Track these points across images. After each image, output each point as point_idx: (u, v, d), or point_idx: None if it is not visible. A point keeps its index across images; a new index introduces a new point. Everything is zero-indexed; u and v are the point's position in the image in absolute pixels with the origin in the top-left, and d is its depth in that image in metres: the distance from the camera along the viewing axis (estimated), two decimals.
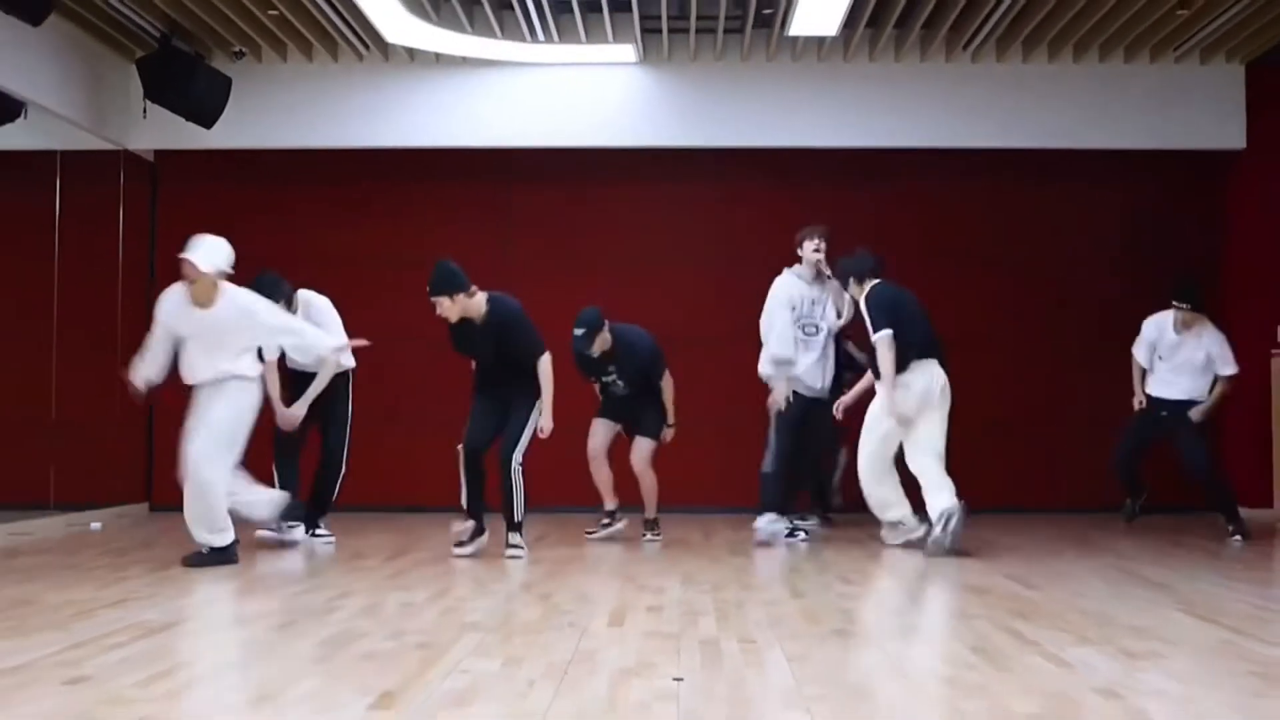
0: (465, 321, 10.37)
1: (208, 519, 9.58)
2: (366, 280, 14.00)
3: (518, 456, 10.35)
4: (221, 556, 9.52)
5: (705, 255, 13.51)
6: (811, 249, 11.73)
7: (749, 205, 14.31)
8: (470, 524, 10.37)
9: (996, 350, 13.88)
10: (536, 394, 10.45)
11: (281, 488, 10.61)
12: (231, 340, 9.73)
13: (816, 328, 11.83)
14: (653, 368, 11.54)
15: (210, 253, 9.60)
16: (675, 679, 5.36)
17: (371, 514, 13.42)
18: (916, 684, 5.28)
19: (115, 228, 13.96)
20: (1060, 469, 13.89)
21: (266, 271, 10.54)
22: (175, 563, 9.57)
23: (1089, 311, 14.04)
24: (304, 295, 10.90)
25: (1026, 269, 14.39)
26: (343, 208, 14.73)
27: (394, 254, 13.92)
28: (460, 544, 10.25)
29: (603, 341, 11.32)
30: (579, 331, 11.22)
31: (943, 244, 14.60)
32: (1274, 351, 13.02)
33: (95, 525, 12.53)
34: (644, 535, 11.62)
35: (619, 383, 11.49)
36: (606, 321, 11.31)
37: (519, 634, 6.53)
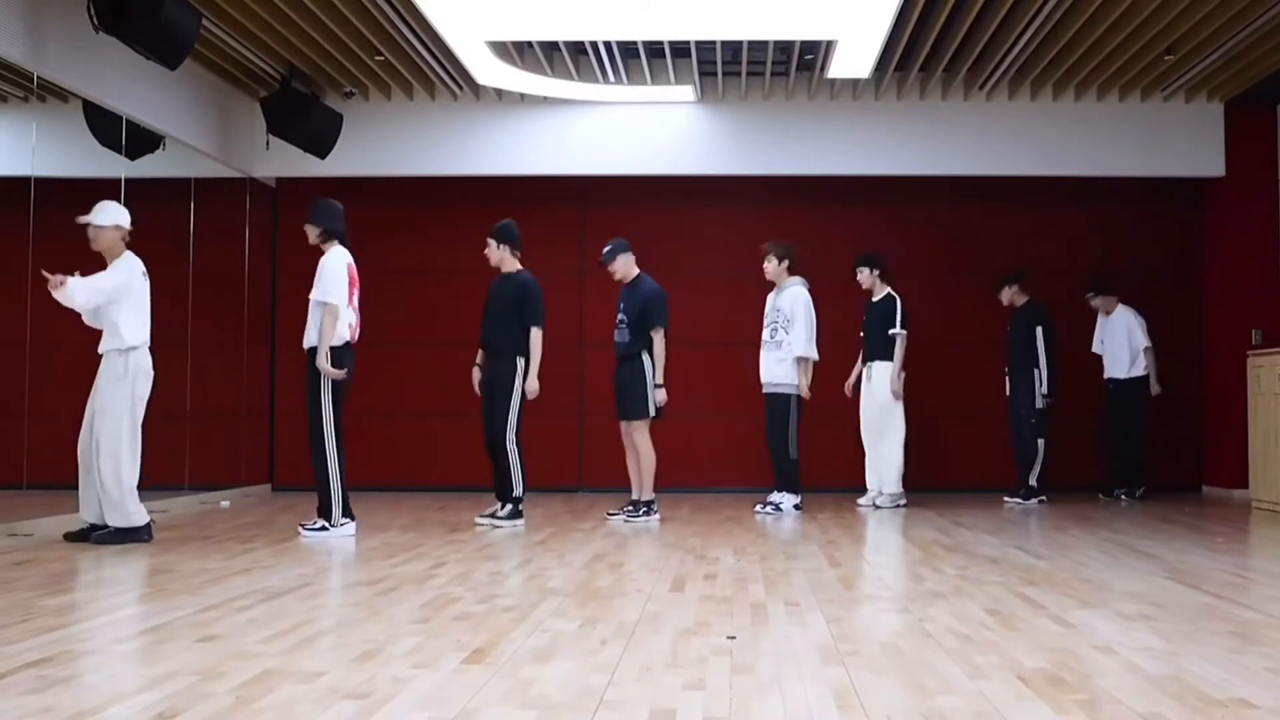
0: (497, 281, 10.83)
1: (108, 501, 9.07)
2: (458, 290, 14.07)
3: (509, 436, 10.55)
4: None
5: (754, 269, 13.47)
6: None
7: (793, 226, 14.28)
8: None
9: (1002, 353, 13.76)
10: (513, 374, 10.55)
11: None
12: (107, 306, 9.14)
13: (774, 329, 11.95)
14: (649, 306, 11.17)
15: (108, 211, 9.26)
16: (729, 637, 5.36)
17: (465, 493, 13.47)
18: (938, 641, 5.26)
19: (241, 244, 14.05)
20: (1059, 457, 13.78)
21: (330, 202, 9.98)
22: (295, 535, 9.61)
23: (1087, 317, 13.96)
24: (328, 252, 9.72)
25: (1034, 281, 14.31)
26: (438, 227, 14.79)
27: (484, 268, 14.02)
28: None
29: (625, 266, 11.36)
30: (608, 246, 11.43)
31: (956, 259, 14.57)
32: (1249, 352, 12.94)
33: (224, 503, 12.61)
34: (612, 511, 11.23)
35: (623, 322, 11.25)
36: (633, 256, 11.41)
37: (593, 598, 6.54)
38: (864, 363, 12.88)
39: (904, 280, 13.12)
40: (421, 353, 14.44)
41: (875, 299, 12.90)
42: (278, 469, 14.68)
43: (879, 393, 12.70)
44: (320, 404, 9.55)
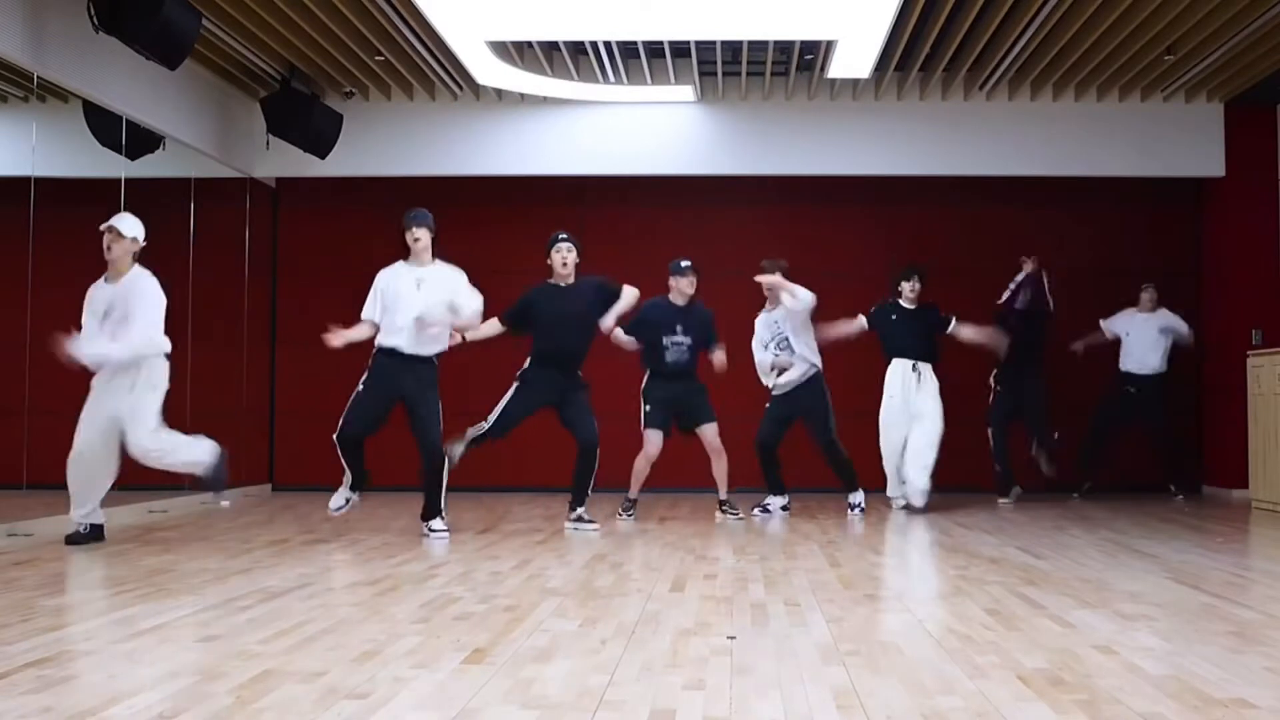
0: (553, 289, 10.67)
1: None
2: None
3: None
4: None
5: (754, 268, 13.47)
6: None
7: (792, 226, 14.32)
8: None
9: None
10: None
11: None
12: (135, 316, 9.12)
13: (781, 341, 11.86)
14: (711, 328, 11.43)
15: (131, 223, 9.19)
16: (729, 637, 5.37)
17: (462, 494, 13.46)
18: (938, 641, 5.26)
19: (242, 244, 14.04)
20: (1060, 457, 13.75)
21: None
22: (295, 535, 9.61)
23: (1086, 315, 13.96)
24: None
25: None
26: (438, 228, 14.76)
27: (483, 267, 14.00)
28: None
29: (692, 284, 11.39)
30: (686, 262, 11.43)
31: (956, 259, 14.54)
32: (1249, 352, 12.94)
33: (224, 503, 12.60)
34: (724, 516, 11.30)
35: (681, 344, 11.26)
36: None
37: (593, 598, 6.55)
38: (914, 367, 12.43)
39: None
40: None
41: (913, 307, 12.47)
42: (278, 469, 14.68)
43: (932, 395, 12.36)
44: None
